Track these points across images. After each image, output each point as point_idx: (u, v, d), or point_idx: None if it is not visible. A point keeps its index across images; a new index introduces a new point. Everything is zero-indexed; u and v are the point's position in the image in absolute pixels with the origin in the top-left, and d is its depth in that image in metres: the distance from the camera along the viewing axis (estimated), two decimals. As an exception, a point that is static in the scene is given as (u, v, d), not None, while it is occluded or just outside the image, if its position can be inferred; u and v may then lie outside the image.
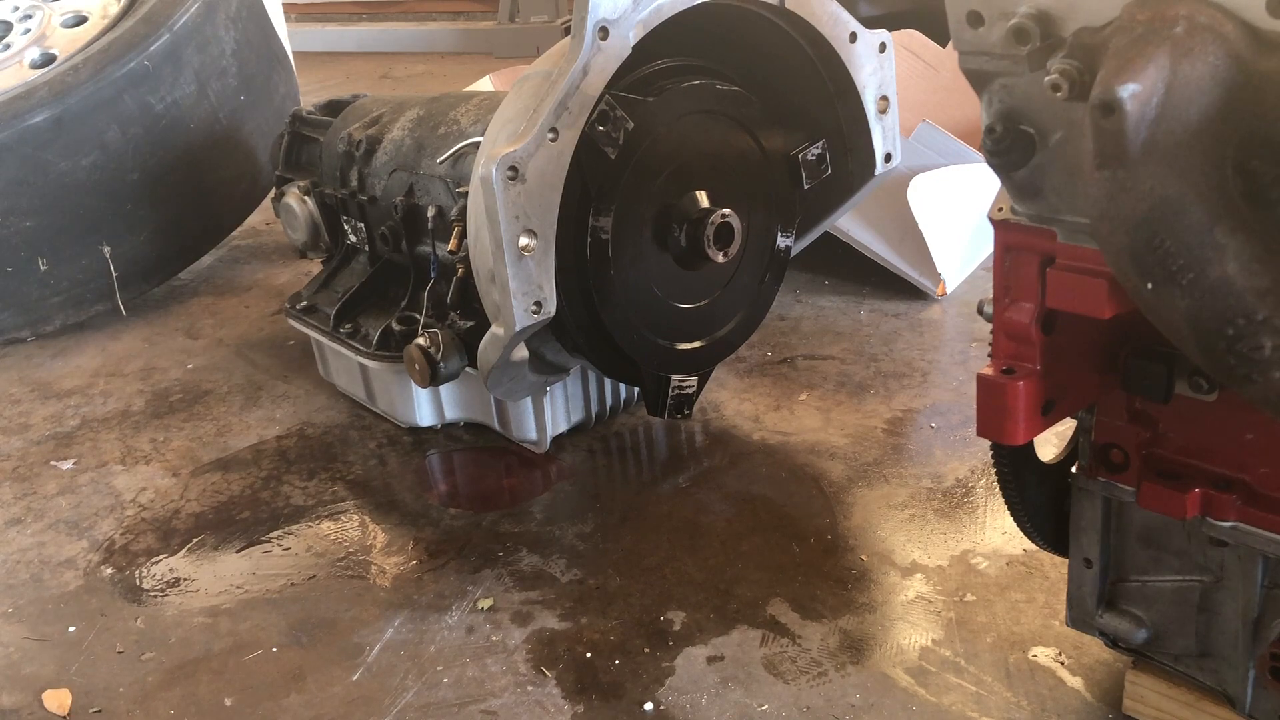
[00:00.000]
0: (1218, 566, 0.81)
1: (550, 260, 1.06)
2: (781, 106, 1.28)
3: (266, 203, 2.05)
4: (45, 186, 1.78)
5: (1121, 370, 0.77)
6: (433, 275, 1.36)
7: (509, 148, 1.01)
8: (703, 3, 1.12)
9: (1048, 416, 0.77)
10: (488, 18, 4.79)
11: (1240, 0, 0.58)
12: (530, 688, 1.01)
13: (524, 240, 1.03)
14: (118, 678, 1.06)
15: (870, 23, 1.27)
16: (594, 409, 1.44)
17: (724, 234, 1.19)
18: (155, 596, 1.19)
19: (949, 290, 1.78)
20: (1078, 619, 0.91)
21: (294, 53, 2.44)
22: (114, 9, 2.04)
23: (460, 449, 1.45)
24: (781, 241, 1.31)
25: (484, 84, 2.22)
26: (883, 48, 1.28)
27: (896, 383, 1.52)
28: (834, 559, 1.16)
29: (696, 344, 1.28)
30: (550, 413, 1.38)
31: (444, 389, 1.43)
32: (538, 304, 1.06)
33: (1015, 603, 1.07)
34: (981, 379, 0.76)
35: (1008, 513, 0.90)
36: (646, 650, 1.05)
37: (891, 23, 1.50)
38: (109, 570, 1.24)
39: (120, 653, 1.10)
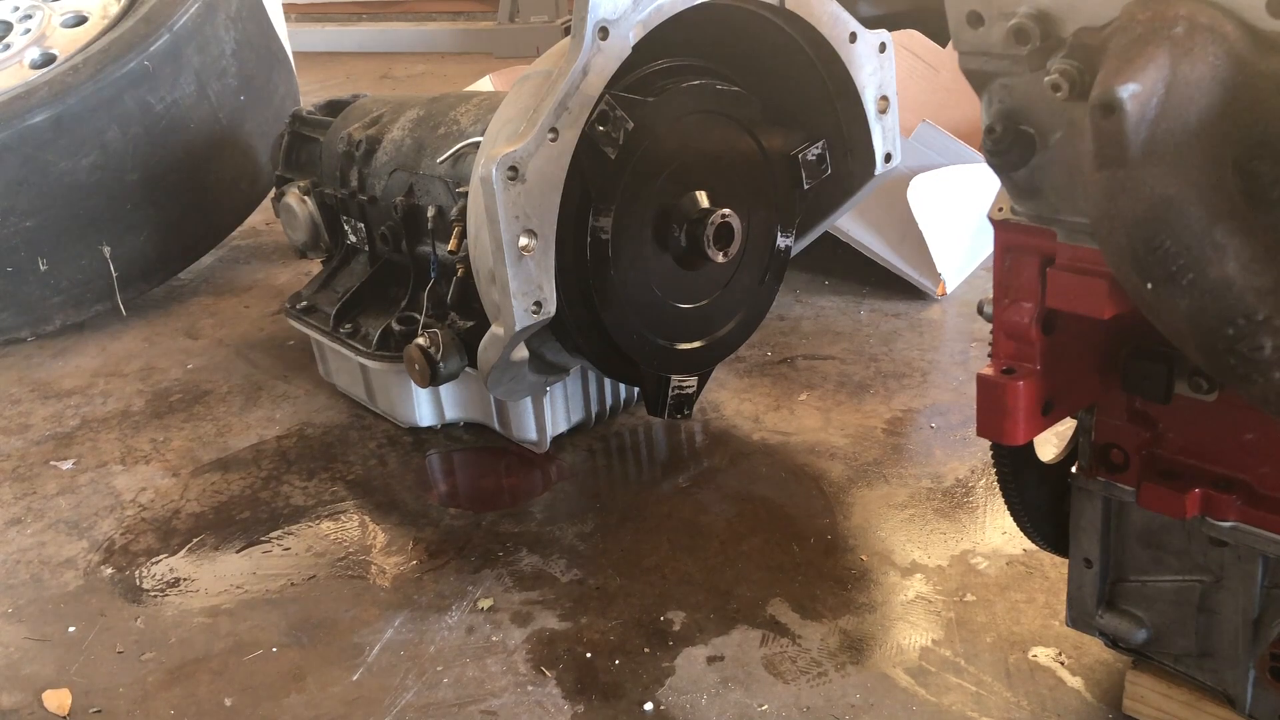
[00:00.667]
0: (1218, 566, 0.81)
1: (550, 260, 1.06)
2: (781, 106, 1.28)
3: (266, 203, 2.05)
4: (45, 186, 1.78)
5: (1121, 370, 0.77)
6: (433, 275, 1.36)
7: (509, 148, 1.01)
8: (702, 3, 1.12)
9: (1048, 416, 0.77)
10: (488, 18, 4.79)
11: (1240, 0, 0.58)
12: (530, 688, 1.01)
13: (524, 240, 1.03)
14: (118, 678, 1.06)
15: (870, 23, 1.27)
16: (594, 409, 1.44)
17: (724, 234, 1.19)
18: (155, 596, 1.19)
19: (949, 290, 1.78)
20: (1078, 619, 0.91)
21: (294, 53, 2.44)
22: (114, 9, 2.04)
23: (460, 449, 1.45)
24: (781, 241, 1.31)
25: (484, 84, 2.22)
26: (883, 48, 1.28)
27: (896, 383, 1.52)
28: (834, 559, 1.16)
29: (696, 344, 1.28)
30: (550, 413, 1.38)
31: (444, 389, 1.43)
32: (538, 304, 1.06)
33: (1015, 603, 1.07)
34: (981, 379, 0.76)
35: (1008, 513, 0.90)
36: (646, 650, 1.05)
37: (891, 23, 1.50)
38: (109, 570, 1.24)
39: (120, 653, 1.10)
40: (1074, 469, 0.87)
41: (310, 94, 2.71)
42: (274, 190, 1.67)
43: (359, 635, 1.10)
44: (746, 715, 0.96)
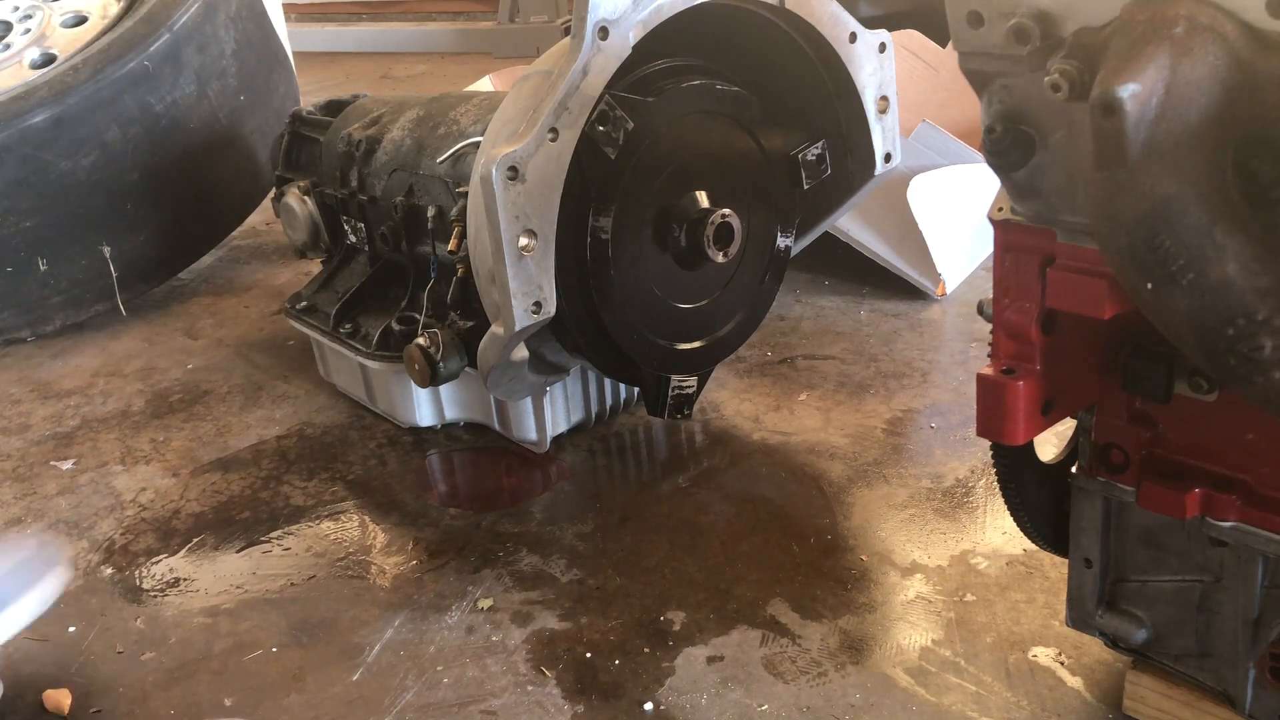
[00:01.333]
0: (1218, 566, 0.81)
1: (550, 260, 1.06)
2: (781, 106, 1.28)
3: (266, 203, 2.05)
4: (45, 186, 1.78)
5: (1121, 370, 0.77)
6: (433, 275, 1.36)
7: (509, 148, 1.01)
8: (703, 3, 1.12)
9: (1048, 416, 0.77)
10: (488, 18, 4.78)
11: (1240, 0, 0.58)
12: (530, 688, 1.01)
13: (524, 240, 1.03)
14: (118, 678, 1.06)
15: (870, 23, 1.27)
16: (594, 409, 1.44)
17: (724, 234, 1.19)
18: (155, 596, 1.19)
19: (949, 290, 1.78)
20: (1078, 619, 0.91)
21: (294, 53, 2.44)
22: (114, 9, 2.04)
23: (460, 449, 1.45)
24: (781, 241, 1.31)
25: (484, 84, 2.22)
26: (883, 48, 1.28)
27: (896, 383, 1.52)
28: (834, 559, 1.16)
29: (696, 344, 1.28)
30: (550, 413, 1.38)
31: (444, 389, 1.43)
32: (537, 304, 1.06)
33: (1015, 603, 1.07)
34: (981, 379, 0.76)
35: (1008, 513, 0.90)
36: (646, 650, 1.05)
37: (891, 23, 1.50)
38: (109, 570, 1.24)
39: (120, 653, 1.10)
40: (1074, 469, 0.87)
41: (310, 94, 2.71)
42: (274, 190, 1.67)
43: (359, 635, 1.10)
44: (746, 715, 0.96)
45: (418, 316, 1.38)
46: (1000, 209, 0.76)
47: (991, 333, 0.78)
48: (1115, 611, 0.88)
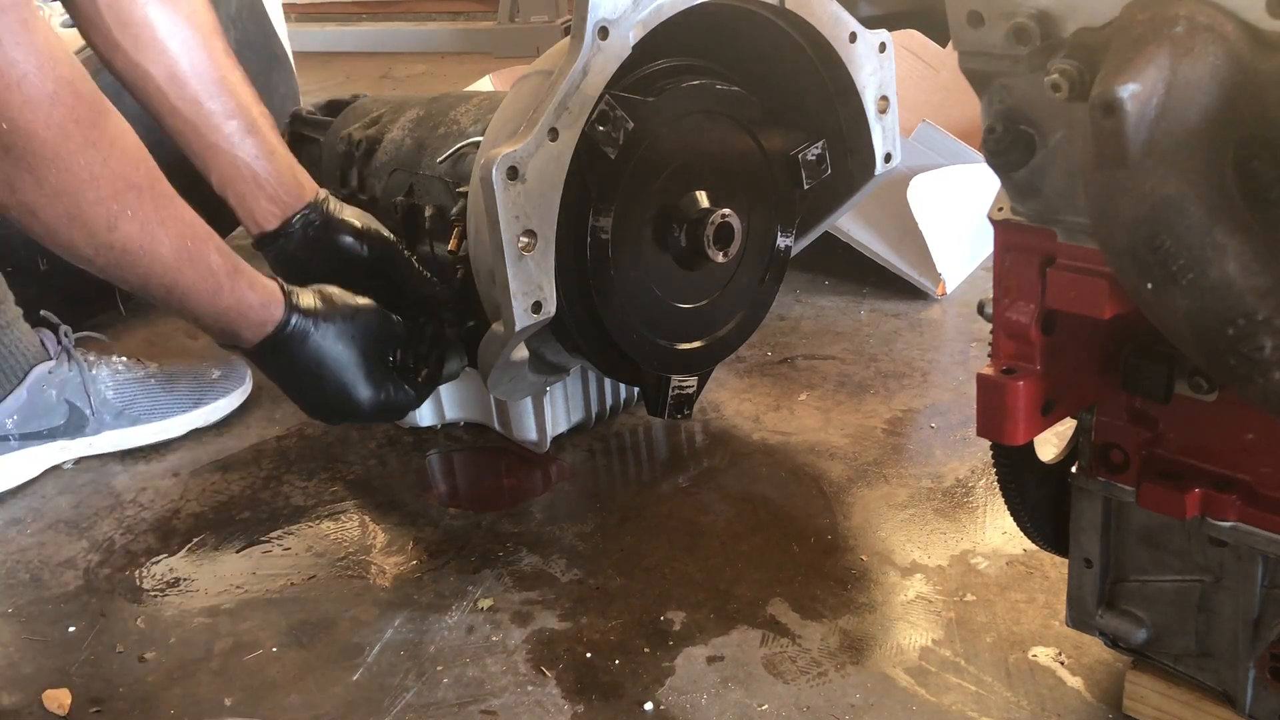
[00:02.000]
0: (1218, 566, 0.81)
1: (550, 260, 1.06)
2: (781, 107, 1.28)
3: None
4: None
5: (1121, 370, 0.77)
6: (433, 275, 1.36)
7: (509, 148, 1.01)
8: (703, 2, 1.12)
9: (1048, 416, 0.77)
10: (488, 18, 4.78)
11: (1240, 0, 0.58)
12: (530, 687, 1.01)
13: (524, 240, 1.03)
14: (118, 678, 1.06)
15: (870, 23, 1.27)
16: (594, 409, 1.44)
17: (724, 234, 1.19)
18: (155, 596, 1.19)
19: (949, 290, 1.78)
20: (1078, 619, 0.91)
21: (294, 53, 2.44)
22: (114, 9, 2.04)
23: (460, 449, 1.45)
24: (781, 241, 1.31)
25: (484, 84, 2.22)
26: (883, 48, 1.28)
27: (896, 383, 1.52)
28: (834, 559, 1.16)
29: (696, 344, 1.28)
30: (550, 413, 1.38)
31: (444, 389, 1.43)
32: (538, 304, 1.06)
33: (1015, 603, 1.07)
34: (981, 379, 0.76)
35: (1008, 513, 0.90)
36: (646, 650, 1.05)
37: (891, 23, 1.50)
38: (109, 570, 1.24)
39: (120, 653, 1.10)
40: (1074, 469, 0.87)
41: (310, 94, 2.71)
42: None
43: (359, 635, 1.10)
44: (746, 715, 0.96)
45: (418, 316, 1.38)
46: (1000, 209, 0.76)
47: (991, 333, 0.78)
48: (1115, 611, 0.88)
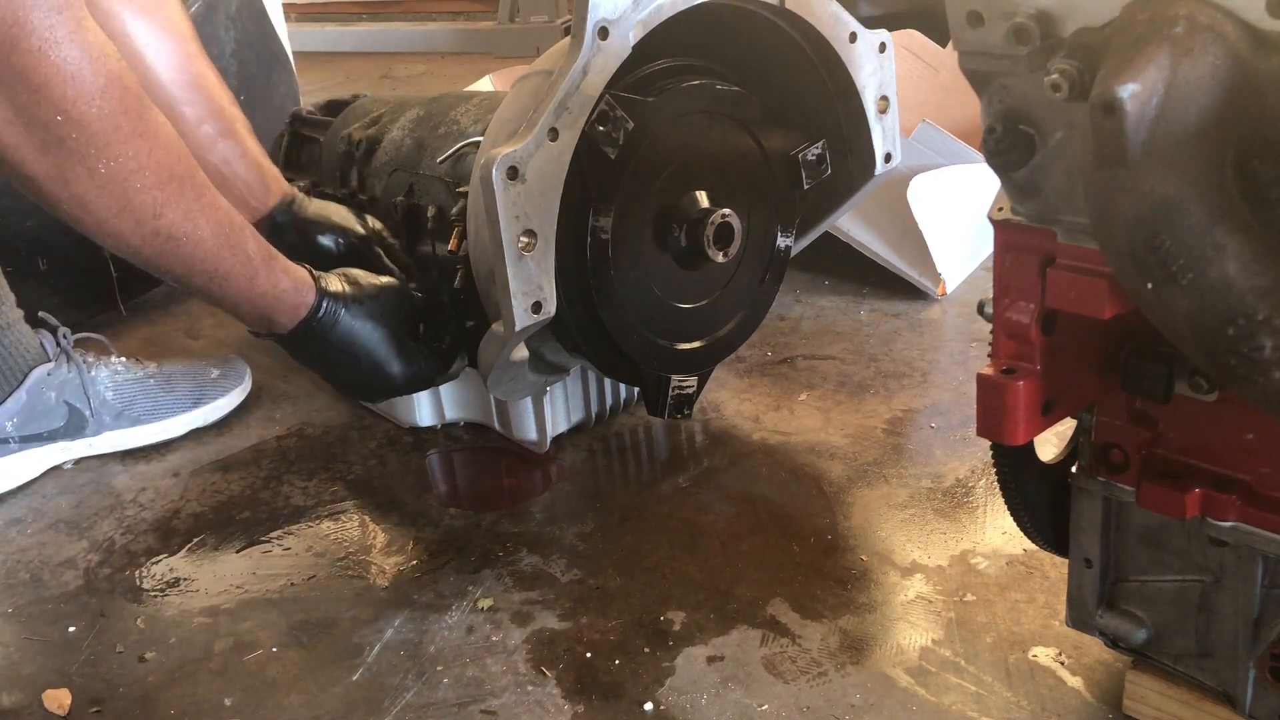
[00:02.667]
0: (1218, 566, 0.81)
1: (550, 260, 1.06)
2: (781, 106, 1.28)
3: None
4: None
5: (1121, 370, 0.77)
6: (433, 275, 1.36)
7: (509, 148, 1.01)
8: (703, 2, 1.12)
9: (1048, 416, 0.77)
10: (488, 18, 4.78)
11: (1240, 0, 0.58)
12: (530, 688, 1.01)
13: (524, 240, 1.03)
14: (118, 678, 1.06)
15: (870, 23, 1.27)
16: (594, 409, 1.44)
17: (724, 234, 1.19)
18: (155, 596, 1.19)
19: (949, 290, 1.78)
20: (1078, 619, 0.91)
21: (294, 53, 2.44)
22: (114, 9, 2.04)
23: (460, 449, 1.45)
24: (781, 241, 1.31)
25: (484, 84, 2.22)
26: (883, 48, 1.28)
27: (896, 383, 1.52)
28: (834, 559, 1.16)
29: (696, 344, 1.28)
30: (550, 413, 1.38)
31: (444, 389, 1.43)
32: (537, 304, 1.06)
33: (1015, 603, 1.07)
34: (981, 379, 0.76)
35: (1008, 513, 0.90)
36: (646, 650, 1.05)
37: (891, 23, 1.50)
38: (109, 570, 1.24)
39: (120, 653, 1.10)
40: (1074, 469, 0.87)
41: (310, 94, 2.71)
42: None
43: (359, 635, 1.10)
44: (746, 715, 0.96)
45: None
46: (1000, 209, 0.76)
47: (991, 333, 0.78)
48: (1115, 611, 0.88)
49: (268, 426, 1.54)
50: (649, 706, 0.98)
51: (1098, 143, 0.60)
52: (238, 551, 1.26)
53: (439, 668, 1.04)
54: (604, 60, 1.05)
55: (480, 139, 1.28)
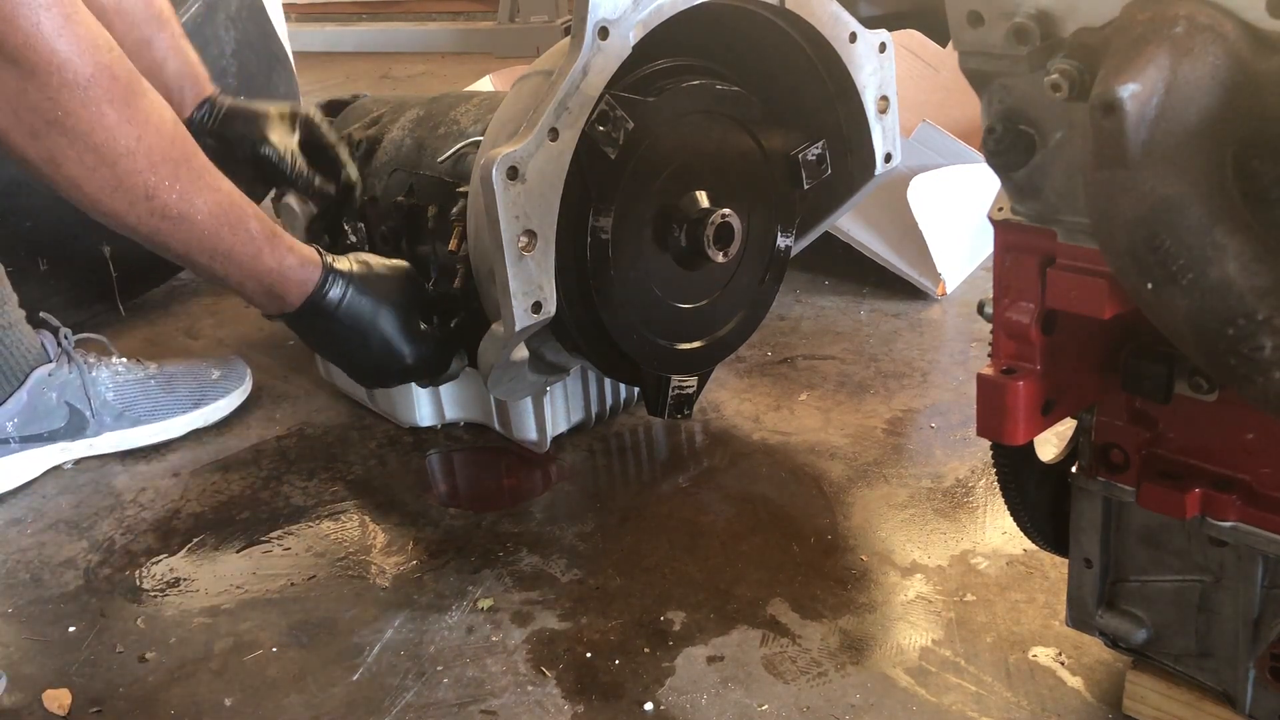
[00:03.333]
0: (1218, 566, 0.81)
1: (550, 260, 1.06)
2: (781, 106, 1.28)
3: (267, 202, 2.05)
4: (45, 186, 1.77)
5: (1121, 370, 0.77)
6: (433, 275, 1.36)
7: (509, 148, 1.01)
8: (703, 2, 1.12)
9: (1048, 416, 0.77)
10: (488, 18, 4.78)
11: (1240, 0, 0.58)
12: (530, 688, 1.01)
13: (524, 240, 1.03)
14: (118, 678, 1.06)
15: (870, 23, 1.27)
16: (594, 409, 1.44)
17: (724, 234, 1.19)
18: (155, 596, 1.19)
19: (949, 290, 1.78)
20: (1078, 619, 0.91)
21: (294, 53, 2.44)
22: (114, 9, 2.04)
23: (460, 449, 1.45)
24: (781, 241, 1.31)
25: (484, 84, 2.22)
26: (883, 48, 1.28)
27: (896, 383, 1.52)
28: (834, 559, 1.16)
29: (696, 344, 1.28)
30: (550, 413, 1.38)
31: (444, 389, 1.43)
32: (537, 304, 1.06)
33: (1015, 603, 1.07)
34: (981, 379, 0.76)
35: (1008, 513, 0.90)
36: (646, 650, 1.05)
37: (891, 23, 1.50)
38: (109, 570, 1.24)
39: (120, 653, 1.10)
40: (1074, 469, 0.87)
41: (310, 94, 2.71)
42: (274, 190, 1.67)
43: (359, 635, 1.10)
44: (746, 715, 0.96)
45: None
46: (1000, 209, 0.76)
47: (991, 333, 0.78)
48: (1115, 611, 0.88)
49: (268, 426, 1.54)
50: (649, 706, 0.98)
51: (1098, 143, 0.60)
52: (238, 551, 1.26)
53: (439, 668, 1.04)
54: (604, 60, 1.05)
55: (480, 139, 1.28)
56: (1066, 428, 0.86)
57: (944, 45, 2.10)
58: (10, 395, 1.40)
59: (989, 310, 0.78)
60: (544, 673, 1.03)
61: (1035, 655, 1.00)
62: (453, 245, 1.25)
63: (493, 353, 1.13)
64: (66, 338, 1.46)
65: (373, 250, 1.49)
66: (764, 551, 1.18)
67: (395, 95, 1.57)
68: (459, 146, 1.33)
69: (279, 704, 1.02)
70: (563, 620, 1.10)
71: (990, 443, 0.83)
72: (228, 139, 1.38)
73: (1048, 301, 0.73)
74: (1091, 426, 0.83)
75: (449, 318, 1.27)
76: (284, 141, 1.38)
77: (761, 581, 1.13)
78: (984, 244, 1.83)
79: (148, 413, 1.48)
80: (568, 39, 1.07)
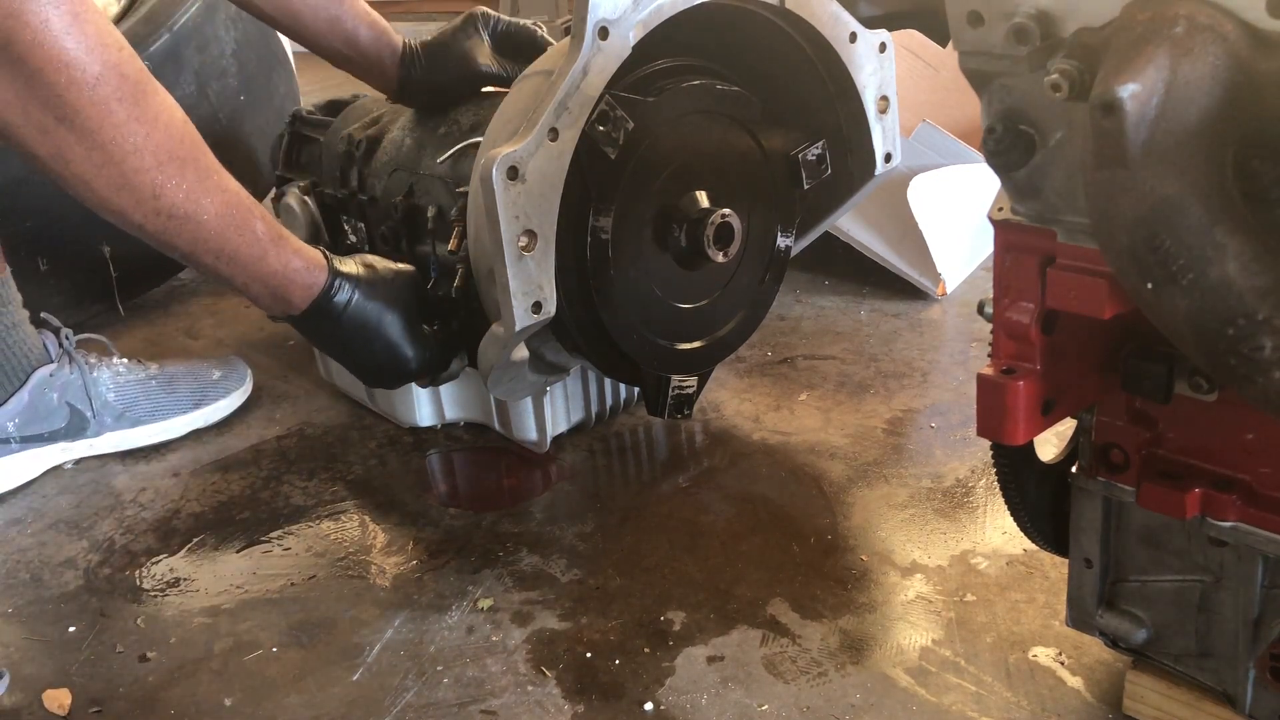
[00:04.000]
0: (1218, 566, 0.81)
1: (550, 260, 1.06)
2: (781, 106, 1.28)
3: (267, 202, 2.05)
4: (45, 186, 1.76)
5: (1121, 370, 0.77)
6: (433, 275, 1.36)
7: (509, 148, 1.01)
8: (703, 3, 1.12)
9: (1048, 416, 0.77)
10: (488, 18, 4.77)
11: (1240, 0, 0.58)
12: (530, 688, 1.01)
13: (524, 240, 1.03)
14: (118, 678, 1.06)
15: (870, 23, 1.27)
16: (594, 409, 1.44)
17: (724, 234, 1.19)
18: (155, 596, 1.19)
19: (949, 290, 1.78)
20: (1078, 619, 0.91)
21: (294, 53, 2.44)
22: (114, 9, 2.04)
23: (460, 449, 1.45)
24: (781, 241, 1.31)
25: (484, 84, 2.22)
26: (883, 48, 1.28)
27: (896, 383, 1.52)
28: (834, 559, 1.16)
29: (696, 344, 1.28)
30: (550, 413, 1.38)
31: (444, 389, 1.43)
32: (537, 304, 1.06)
33: (1015, 603, 1.07)
34: (981, 379, 0.76)
35: (1008, 513, 0.90)
36: (646, 650, 1.05)
37: (891, 23, 1.50)
38: (109, 570, 1.24)
39: (120, 653, 1.10)
40: (1074, 469, 0.87)
41: (310, 94, 2.71)
42: (274, 190, 1.67)
43: (359, 635, 1.10)
44: (746, 715, 0.96)
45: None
46: (1000, 209, 0.76)
47: (991, 333, 0.78)
48: (1115, 611, 0.88)
49: (268, 426, 1.54)
50: (649, 706, 0.98)
51: (1098, 143, 0.60)
52: (238, 551, 1.26)
53: (439, 668, 1.04)
54: (604, 60, 1.05)
55: (480, 139, 1.28)
56: (1066, 428, 0.86)
57: (944, 45, 2.10)
58: (12, 395, 1.40)
59: (989, 310, 0.78)
60: (544, 673, 1.03)
61: (1035, 655, 1.00)
62: (453, 245, 1.25)
63: (493, 353, 1.13)
64: (68, 338, 1.46)
65: (372, 250, 1.50)
66: (764, 551, 1.18)
67: (395, 95, 1.57)
68: (459, 146, 1.33)
69: (279, 704, 1.02)
70: (563, 620, 1.10)
71: (990, 443, 0.83)
72: (442, 85, 1.40)
73: (1048, 301, 0.73)
74: (1091, 426, 0.83)
75: (450, 320, 1.27)
76: (488, 56, 1.39)
77: (761, 581, 1.13)
78: (984, 244, 1.83)
79: (148, 413, 1.48)
80: (568, 39, 1.07)
